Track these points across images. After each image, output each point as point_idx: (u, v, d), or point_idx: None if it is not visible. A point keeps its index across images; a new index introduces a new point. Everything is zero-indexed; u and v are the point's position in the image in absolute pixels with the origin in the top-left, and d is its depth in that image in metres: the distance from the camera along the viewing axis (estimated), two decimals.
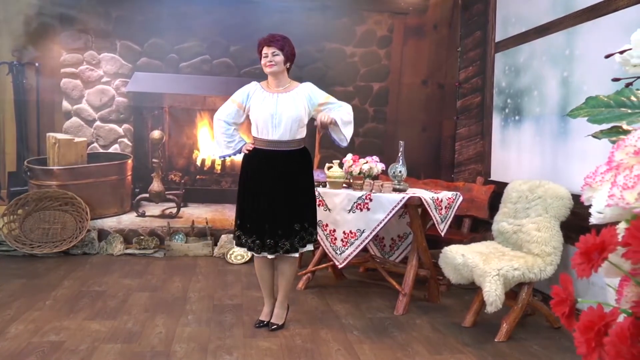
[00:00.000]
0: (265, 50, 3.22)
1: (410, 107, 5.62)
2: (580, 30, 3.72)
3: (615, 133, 0.72)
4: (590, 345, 0.51)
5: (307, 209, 3.32)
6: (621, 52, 0.74)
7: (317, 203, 3.86)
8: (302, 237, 3.27)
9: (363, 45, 5.53)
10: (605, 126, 0.80)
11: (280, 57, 3.21)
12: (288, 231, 3.22)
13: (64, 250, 5.03)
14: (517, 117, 4.55)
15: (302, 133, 3.33)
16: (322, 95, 3.35)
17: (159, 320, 3.44)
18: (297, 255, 3.32)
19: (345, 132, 3.36)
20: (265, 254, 3.25)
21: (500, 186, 4.19)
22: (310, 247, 3.36)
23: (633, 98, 0.78)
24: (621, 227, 0.57)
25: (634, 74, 0.74)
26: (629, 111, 0.77)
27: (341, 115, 3.32)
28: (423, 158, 5.57)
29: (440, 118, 5.65)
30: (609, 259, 0.57)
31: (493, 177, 4.93)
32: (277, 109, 3.21)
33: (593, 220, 0.62)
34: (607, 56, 0.85)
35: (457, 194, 4.02)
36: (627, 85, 0.79)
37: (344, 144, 3.42)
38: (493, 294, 3.14)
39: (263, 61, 3.24)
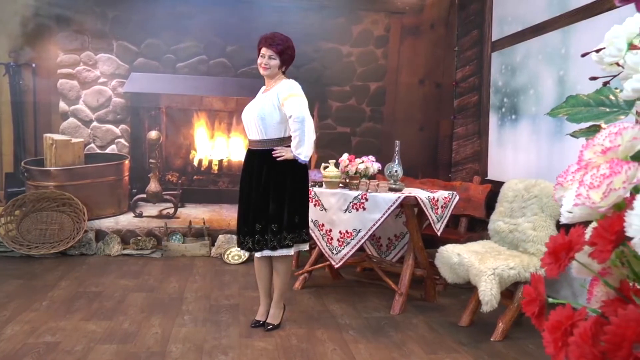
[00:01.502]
0: (263, 50, 3.19)
1: (408, 107, 5.62)
2: (575, 29, 3.72)
3: (593, 132, 0.72)
4: (557, 345, 0.51)
5: (282, 209, 3.20)
6: (597, 51, 0.74)
7: (313, 203, 3.87)
8: (278, 239, 3.20)
9: (360, 44, 5.53)
10: (584, 125, 0.80)
11: (275, 62, 3.19)
12: (262, 230, 3.21)
13: (62, 251, 5.03)
14: (513, 116, 4.55)
15: (279, 132, 3.19)
16: (285, 93, 3.14)
17: (155, 321, 3.44)
18: (292, 252, 3.28)
19: (300, 156, 3.15)
20: (255, 252, 3.27)
21: (497, 185, 4.19)
22: (304, 246, 3.34)
23: (612, 97, 0.78)
24: (592, 226, 0.57)
25: (611, 72, 0.74)
26: (607, 110, 0.77)
27: (292, 146, 3.14)
28: (420, 157, 5.57)
29: (437, 117, 5.65)
30: (578, 259, 0.57)
31: (490, 177, 4.93)
32: (250, 109, 3.25)
33: (563, 219, 0.62)
34: (584, 55, 0.85)
35: (453, 194, 4.02)
36: (605, 83, 0.79)
37: (302, 161, 3.21)
38: (488, 293, 3.13)
39: (259, 60, 3.23)
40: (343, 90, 5.50)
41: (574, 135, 0.79)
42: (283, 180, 3.19)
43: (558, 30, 3.91)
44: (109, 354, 2.91)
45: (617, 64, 0.72)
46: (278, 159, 3.16)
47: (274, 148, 3.18)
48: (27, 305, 3.66)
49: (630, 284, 0.55)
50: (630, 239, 0.51)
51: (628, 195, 0.54)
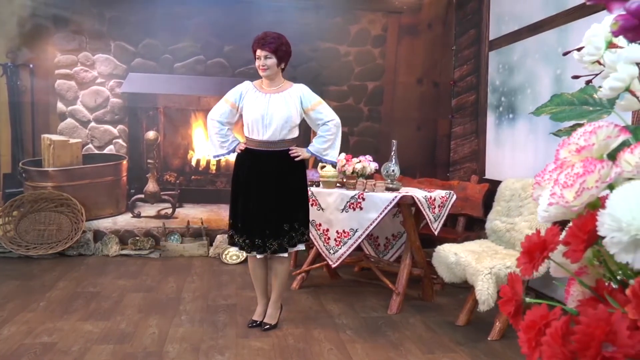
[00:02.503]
0: (258, 52, 3.19)
1: (405, 106, 5.62)
2: (572, 27, 3.72)
3: None
4: (531, 344, 0.51)
5: (297, 209, 3.31)
6: (578, 50, 0.74)
7: (311, 203, 3.86)
8: (291, 237, 3.26)
9: (357, 44, 5.53)
10: (567, 124, 0.80)
11: (272, 61, 3.19)
12: (277, 231, 3.22)
13: (60, 251, 5.03)
14: (511, 115, 4.55)
15: (294, 133, 3.32)
16: (314, 99, 3.32)
17: (152, 321, 3.44)
18: (286, 255, 3.30)
19: (328, 157, 3.41)
20: (254, 253, 3.26)
21: (495, 184, 4.19)
22: (301, 246, 3.36)
23: (595, 95, 0.78)
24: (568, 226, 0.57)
25: (593, 71, 0.74)
26: (591, 109, 0.77)
27: (318, 148, 3.35)
28: (418, 157, 5.57)
29: (435, 117, 5.65)
30: (553, 259, 0.57)
31: (488, 176, 4.93)
32: (268, 110, 3.20)
33: (539, 219, 0.62)
34: (565, 54, 0.85)
35: (450, 193, 4.02)
36: (587, 82, 0.79)
37: (332, 162, 3.49)
38: (485, 292, 3.14)
39: (257, 63, 3.23)
40: (341, 90, 5.50)
41: (557, 134, 0.79)
42: (300, 179, 3.33)
43: (555, 29, 3.90)
44: (106, 354, 2.91)
45: (599, 63, 0.72)
46: (296, 159, 3.27)
47: (290, 148, 3.27)
48: (25, 305, 3.66)
49: (606, 283, 0.56)
50: (603, 238, 0.51)
51: (602, 194, 0.54)
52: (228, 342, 3.12)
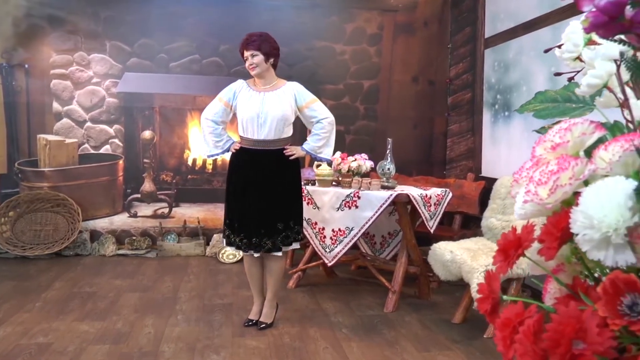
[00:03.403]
0: (245, 53, 3.22)
1: (401, 104, 5.62)
2: (566, 25, 3.69)
3: None
4: (506, 342, 0.51)
5: (292, 207, 3.31)
6: (559, 47, 0.74)
7: (306, 201, 3.87)
8: (286, 236, 3.26)
9: (353, 43, 5.52)
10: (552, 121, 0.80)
11: (259, 58, 3.19)
12: (271, 230, 3.22)
13: (56, 251, 5.02)
14: (506, 113, 4.55)
15: (289, 132, 3.32)
16: (308, 97, 3.33)
17: (148, 321, 3.44)
18: (280, 254, 3.30)
19: (323, 155, 3.41)
20: (251, 251, 3.26)
21: (491, 182, 4.18)
22: (296, 245, 3.36)
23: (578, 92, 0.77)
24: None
25: (575, 68, 0.74)
26: (574, 106, 0.77)
27: (312, 146, 3.35)
28: (415, 155, 5.57)
29: (431, 115, 5.65)
30: (530, 257, 0.57)
31: (484, 173, 4.93)
32: (263, 108, 3.20)
33: (516, 216, 0.62)
34: (546, 51, 0.85)
35: (446, 191, 4.02)
36: (569, 79, 0.79)
37: (327, 160, 3.51)
38: None
39: (246, 65, 3.25)
40: (337, 89, 5.50)
41: (539, 131, 0.79)
42: (294, 177, 3.33)
43: (549, 26, 3.91)
44: (101, 354, 2.91)
45: (580, 60, 0.72)
46: (291, 158, 3.27)
47: (285, 147, 3.28)
48: (20, 306, 3.66)
49: (583, 280, 0.55)
50: (576, 235, 0.51)
51: (575, 191, 0.54)
52: (224, 342, 3.12)
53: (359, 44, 5.53)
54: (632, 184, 0.49)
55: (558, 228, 0.53)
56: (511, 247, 0.57)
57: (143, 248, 5.24)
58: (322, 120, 3.33)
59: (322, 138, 3.35)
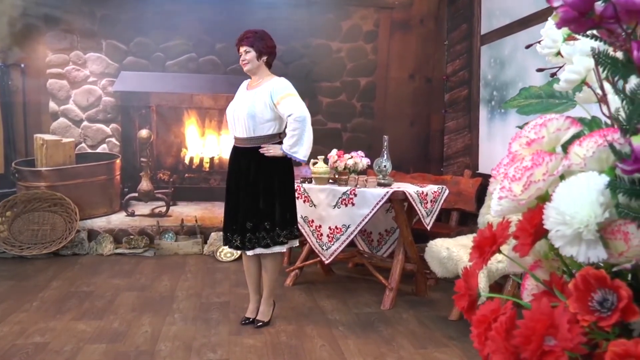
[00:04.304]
0: (240, 50, 3.23)
1: (398, 102, 5.61)
2: None
3: None
4: (481, 339, 0.51)
5: (267, 206, 3.20)
6: (540, 43, 0.74)
7: (302, 199, 3.86)
8: (277, 235, 3.21)
9: (349, 40, 5.52)
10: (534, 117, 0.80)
11: (251, 54, 3.19)
12: (254, 229, 3.20)
13: (54, 251, 5.02)
14: (502, 110, 4.55)
15: (268, 130, 3.19)
16: (282, 92, 3.16)
17: (145, 320, 3.44)
18: (268, 252, 3.25)
19: (297, 155, 3.17)
20: (245, 250, 3.27)
21: (488, 179, 4.18)
22: (282, 248, 3.27)
23: None
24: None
25: (556, 63, 0.74)
26: (557, 101, 0.77)
27: (285, 145, 3.15)
28: (412, 152, 5.57)
29: (428, 112, 5.64)
30: (506, 254, 0.57)
31: (481, 170, 4.93)
32: (238, 106, 3.22)
33: (492, 213, 0.62)
34: (527, 47, 0.85)
35: (442, 188, 4.02)
36: (552, 75, 0.79)
37: (301, 160, 3.23)
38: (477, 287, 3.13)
39: (240, 61, 3.26)
40: (333, 86, 5.50)
41: (522, 127, 0.79)
42: (271, 177, 3.20)
43: (545, 22, 3.89)
44: (98, 354, 2.91)
45: (562, 55, 0.72)
46: (266, 155, 3.16)
47: (262, 145, 3.18)
48: (17, 306, 3.65)
49: (560, 277, 0.55)
50: (549, 231, 0.51)
51: (549, 187, 0.54)
52: (220, 340, 3.12)
53: (355, 41, 5.52)
54: (604, 179, 0.49)
55: (532, 224, 0.53)
56: (486, 243, 0.57)
57: (141, 247, 5.24)
58: (289, 117, 3.14)
59: (291, 136, 3.14)
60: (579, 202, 0.48)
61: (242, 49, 3.21)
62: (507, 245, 0.59)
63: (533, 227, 0.52)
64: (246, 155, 3.22)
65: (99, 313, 3.55)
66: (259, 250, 3.23)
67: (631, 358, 0.40)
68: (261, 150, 3.17)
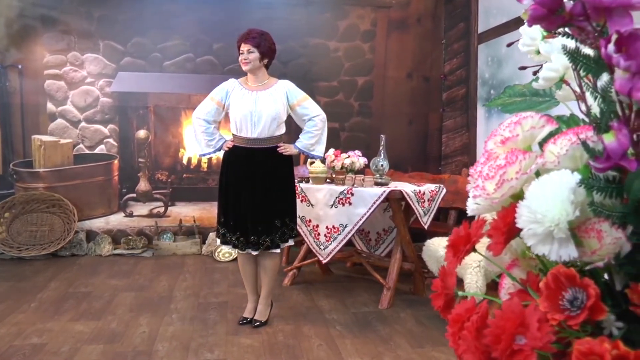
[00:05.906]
0: (242, 47, 3.21)
1: (396, 101, 5.61)
2: None
3: None
4: (455, 338, 0.51)
5: (287, 204, 3.32)
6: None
7: (300, 199, 3.86)
8: (283, 232, 3.28)
9: (346, 39, 5.51)
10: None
11: (255, 55, 3.19)
12: (269, 227, 3.22)
13: (52, 252, 5.02)
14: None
15: (282, 130, 3.32)
16: (300, 95, 3.34)
17: (143, 320, 3.44)
18: (278, 250, 3.32)
19: (315, 152, 3.41)
20: (249, 250, 3.26)
21: None
22: (291, 242, 3.37)
23: None
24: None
25: (539, 61, 0.74)
26: (540, 100, 0.77)
27: (305, 143, 3.36)
28: (410, 151, 5.57)
29: (426, 111, 5.64)
30: (482, 253, 0.57)
31: None
32: (256, 107, 3.20)
33: (468, 212, 0.62)
34: (509, 45, 0.85)
35: (440, 187, 4.01)
36: (534, 73, 0.79)
37: (318, 157, 3.50)
38: (474, 285, 3.13)
39: (240, 58, 3.23)
40: (331, 86, 5.49)
41: None
42: (287, 176, 3.33)
43: None
44: (96, 354, 2.91)
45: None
46: (284, 154, 3.28)
47: (278, 145, 3.27)
48: (15, 307, 3.66)
49: (536, 275, 0.55)
50: (522, 230, 0.50)
51: (523, 185, 0.54)
52: (218, 340, 3.12)
53: (353, 40, 5.52)
54: (575, 177, 0.49)
55: (505, 223, 0.53)
56: (461, 242, 0.57)
57: (139, 247, 5.24)
58: (314, 118, 3.34)
59: (314, 135, 3.35)
60: (550, 201, 0.47)
61: (244, 47, 3.19)
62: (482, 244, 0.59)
63: (506, 226, 0.52)
64: (261, 155, 3.24)
65: (96, 314, 3.55)
66: (269, 250, 3.26)
67: (595, 356, 0.40)
68: (280, 150, 3.27)
